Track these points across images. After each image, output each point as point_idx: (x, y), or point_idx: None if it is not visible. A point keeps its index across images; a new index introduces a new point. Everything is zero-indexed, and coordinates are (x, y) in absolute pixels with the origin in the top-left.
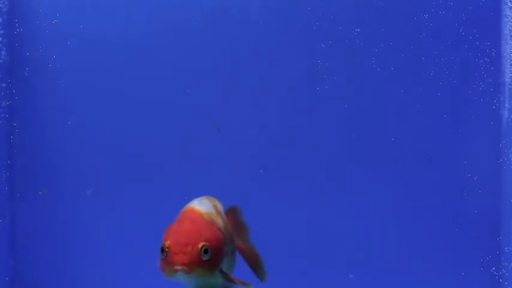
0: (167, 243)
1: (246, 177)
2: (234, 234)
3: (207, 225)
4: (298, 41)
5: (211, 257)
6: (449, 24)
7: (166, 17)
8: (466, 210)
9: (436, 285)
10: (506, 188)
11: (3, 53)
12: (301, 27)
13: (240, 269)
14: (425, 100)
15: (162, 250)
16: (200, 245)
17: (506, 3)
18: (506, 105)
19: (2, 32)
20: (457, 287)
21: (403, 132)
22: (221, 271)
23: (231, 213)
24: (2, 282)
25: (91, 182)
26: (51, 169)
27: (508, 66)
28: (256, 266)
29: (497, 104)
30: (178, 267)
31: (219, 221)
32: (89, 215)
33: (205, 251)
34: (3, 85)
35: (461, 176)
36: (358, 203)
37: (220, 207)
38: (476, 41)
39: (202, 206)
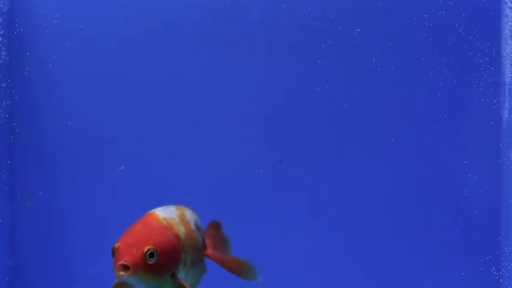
0: (117, 244)
1: (246, 177)
2: (212, 247)
3: (159, 229)
4: (298, 41)
5: (158, 261)
6: (449, 24)
7: (166, 17)
8: (466, 210)
9: (436, 285)
10: (506, 188)
11: (3, 53)
12: (301, 27)
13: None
14: (425, 100)
15: (112, 251)
16: (146, 248)
17: (506, 3)
18: (506, 105)
19: (2, 32)
20: (457, 287)
21: (403, 132)
22: (173, 276)
23: (212, 227)
24: (2, 282)
25: (91, 182)
26: (51, 169)
27: (508, 66)
28: (240, 272)
29: (497, 104)
30: (121, 268)
31: (180, 229)
32: (88, 215)
33: (151, 255)
34: (3, 85)
35: (461, 176)
36: (357, 204)
37: (189, 216)
38: (476, 41)
39: (163, 211)
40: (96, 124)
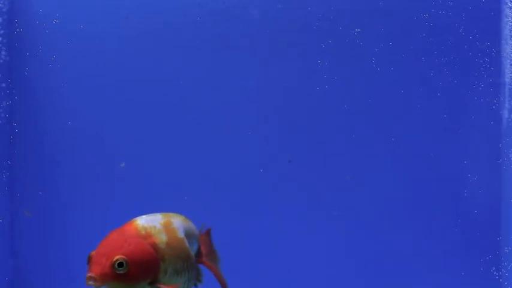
0: (92, 253)
1: (245, 177)
2: (206, 255)
3: (134, 239)
4: (298, 41)
5: (129, 271)
6: (449, 24)
7: (166, 17)
8: (466, 210)
9: (436, 285)
10: (506, 188)
11: (3, 53)
12: (301, 27)
13: None
14: (425, 100)
15: (87, 259)
16: (115, 258)
17: (506, 3)
18: (506, 105)
19: (2, 32)
20: (457, 287)
21: (403, 132)
22: (152, 283)
23: (207, 235)
24: (2, 282)
25: (91, 182)
26: (50, 169)
27: (508, 66)
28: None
29: (497, 104)
30: (91, 278)
31: (161, 237)
32: (88, 214)
33: (120, 265)
34: (3, 85)
35: (461, 176)
36: (357, 204)
37: (177, 224)
38: (476, 41)
39: (145, 220)
40: (96, 124)
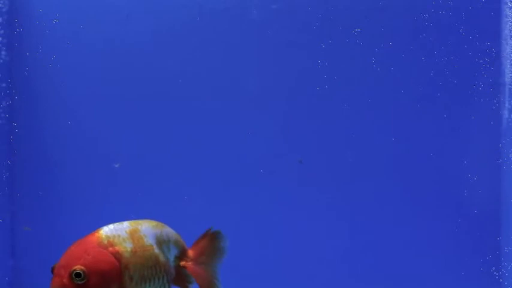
0: (55, 264)
1: (245, 177)
2: (196, 259)
3: (95, 249)
4: (298, 41)
5: (88, 282)
6: (449, 24)
7: (166, 17)
8: (466, 210)
9: (436, 285)
10: (506, 188)
11: (3, 53)
12: (301, 27)
13: None
14: (426, 100)
15: (51, 270)
16: (72, 269)
17: (506, 3)
18: (506, 105)
19: (2, 32)
20: (457, 287)
21: (403, 132)
22: None
23: (206, 236)
24: (2, 282)
25: (91, 182)
26: (51, 169)
27: (508, 66)
28: None
29: (497, 104)
30: None
31: (125, 246)
32: (89, 214)
33: (77, 275)
34: (3, 85)
35: (461, 176)
36: (357, 204)
37: (146, 231)
38: (476, 41)
39: (110, 228)
40: (96, 124)
